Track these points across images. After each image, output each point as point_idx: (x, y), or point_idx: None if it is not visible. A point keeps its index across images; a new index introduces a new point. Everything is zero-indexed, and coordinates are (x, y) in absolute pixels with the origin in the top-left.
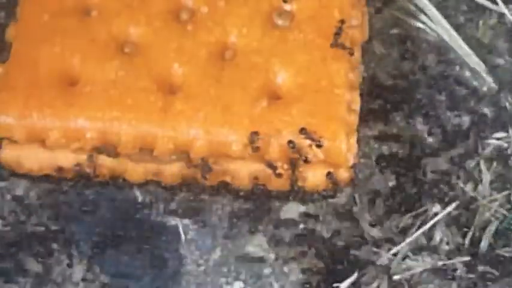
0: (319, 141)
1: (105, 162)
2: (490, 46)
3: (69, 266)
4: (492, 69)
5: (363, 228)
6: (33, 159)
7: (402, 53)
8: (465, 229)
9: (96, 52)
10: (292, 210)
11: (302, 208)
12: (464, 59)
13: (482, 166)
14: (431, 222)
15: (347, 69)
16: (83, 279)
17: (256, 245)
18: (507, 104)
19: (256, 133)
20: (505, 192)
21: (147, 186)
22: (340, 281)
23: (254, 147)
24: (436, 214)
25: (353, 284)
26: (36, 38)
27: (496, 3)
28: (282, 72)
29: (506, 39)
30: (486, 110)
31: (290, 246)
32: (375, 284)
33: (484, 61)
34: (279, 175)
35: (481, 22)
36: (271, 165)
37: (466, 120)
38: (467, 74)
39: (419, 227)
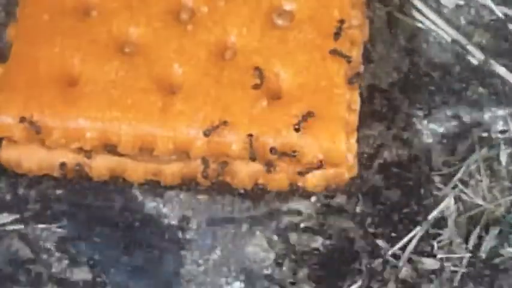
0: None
1: (105, 162)
2: (490, 46)
3: (69, 266)
4: (492, 68)
5: (363, 229)
6: (33, 159)
7: (402, 53)
8: (466, 230)
9: (96, 52)
10: (292, 210)
11: (302, 208)
12: (463, 59)
13: (482, 166)
14: (430, 222)
15: (347, 69)
16: (83, 279)
17: (256, 245)
18: (507, 104)
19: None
20: (509, 197)
21: (147, 186)
22: (340, 281)
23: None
24: (436, 214)
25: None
26: (36, 38)
27: (496, 4)
28: (282, 72)
29: (505, 39)
30: (486, 110)
31: (290, 246)
32: (376, 285)
33: (484, 60)
34: (275, 174)
35: (475, 22)
36: (268, 164)
37: (466, 119)
38: (467, 74)
39: (419, 227)
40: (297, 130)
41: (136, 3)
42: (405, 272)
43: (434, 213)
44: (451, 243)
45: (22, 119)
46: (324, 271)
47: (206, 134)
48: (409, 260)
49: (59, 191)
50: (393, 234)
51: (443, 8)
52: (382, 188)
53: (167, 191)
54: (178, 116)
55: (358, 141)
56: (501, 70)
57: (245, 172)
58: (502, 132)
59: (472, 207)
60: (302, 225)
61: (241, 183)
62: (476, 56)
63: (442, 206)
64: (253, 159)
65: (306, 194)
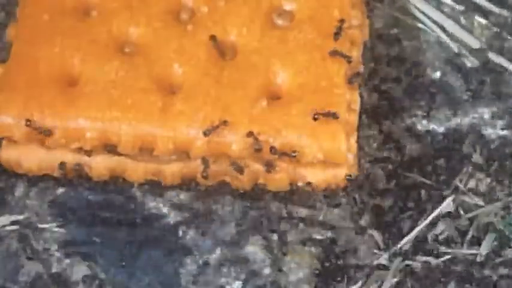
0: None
1: (105, 162)
2: (490, 46)
3: (69, 265)
4: (491, 68)
5: (363, 229)
6: (33, 159)
7: (402, 53)
8: (465, 230)
9: (96, 52)
10: (291, 210)
11: (302, 208)
12: (463, 58)
13: (483, 166)
14: (430, 222)
15: (347, 69)
16: (83, 279)
17: (256, 245)
18: (507, 104)
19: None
20: (509, 197)
21: (147, 186)
22: (340, 281)
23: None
24: (436, 214)
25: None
26: (36, 38)
27: (495, 5)
28: (282, 72)
29: (505, 39)
30: (486, 110)
31: (290, 246)
32: (375, 285)
33: (484, 60)
34: (275, 174)
35: (475, 22)
36: (268, 164)
37: (466, 120)
38: (467, 73)
39: (419, 227)
40: (315, 119)
41: (136, 3)
42: (405, 272)
43: (434, 214)
44: (450, 243)
45: (28, 123)
46: (324, 271)
47: (206, 133)
48: (409, 260)
49: (59, 191)
50: (393, 234)
51: (444, 8)
52: (382, 188)
53: (167, 191)
54: (178, 116)
55: (358, 141)
56: (501, 69)
57: (245, 172)
58: (502, 131)
59: (472, 208)
60: (302, 225)
61: (241, 183)
62: (476, 56)
63: (442, 206)
64: (259, 150)
65: (306, 194)
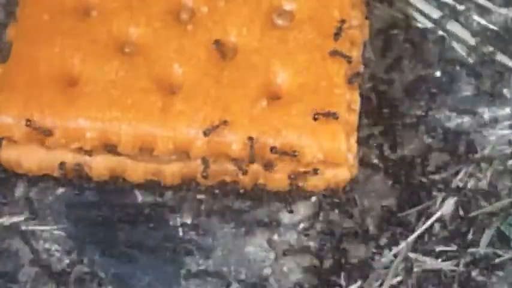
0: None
1: (105, 162)
2: (491, 46)
3: (69, 266)
4: (491, 68)
5: (363, 229)
6: (33, 159)
7: (402, 53)
8: (465, 230)
9: (96, 52)
10: (291, 210)
11: (302, 208)
12: (463, 58)
13: (482, 166)
14: (430, 222)
15: (347, 69)
16: (83, 279)
17: (256, 245)
18: (507, 104)
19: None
20: (509, 198)
21: (147, 186)
22: (340, 281)
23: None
24: (436, 215)
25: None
26: (36, 38)
27: (496, 4)
28: (282, 72)
29: (505, 39)
30: (486, 110)
31: (290, 246)
32: (375, 285)
33: (483, 60)
34: (275, 173)
35: (475, 22)
36: (267, 164)
37: (466, 120)
38: (467, 73)
39: (419, 227)
40: (315, 119)
41: (136, 3)
42: (405, 272)
43: (434, 214)
44: (450, 243)
45: (28, 123)
46: (324, 271)
47: (206, 133)
48: (409, 261)
49: (59, 191)
50: (393, 234)
51: (444, 8)
52: (382, 188)
53: (167, 191)
54: (178, 116)
55: (358, 141)
56: (502, 69)
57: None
58: (502, 131)
59: (472, 208)
60: (302, 225)
61: (242, 183)
62: (476, 56)
63: (442, 206)
64: (252, 161)
65: (306, 194)
